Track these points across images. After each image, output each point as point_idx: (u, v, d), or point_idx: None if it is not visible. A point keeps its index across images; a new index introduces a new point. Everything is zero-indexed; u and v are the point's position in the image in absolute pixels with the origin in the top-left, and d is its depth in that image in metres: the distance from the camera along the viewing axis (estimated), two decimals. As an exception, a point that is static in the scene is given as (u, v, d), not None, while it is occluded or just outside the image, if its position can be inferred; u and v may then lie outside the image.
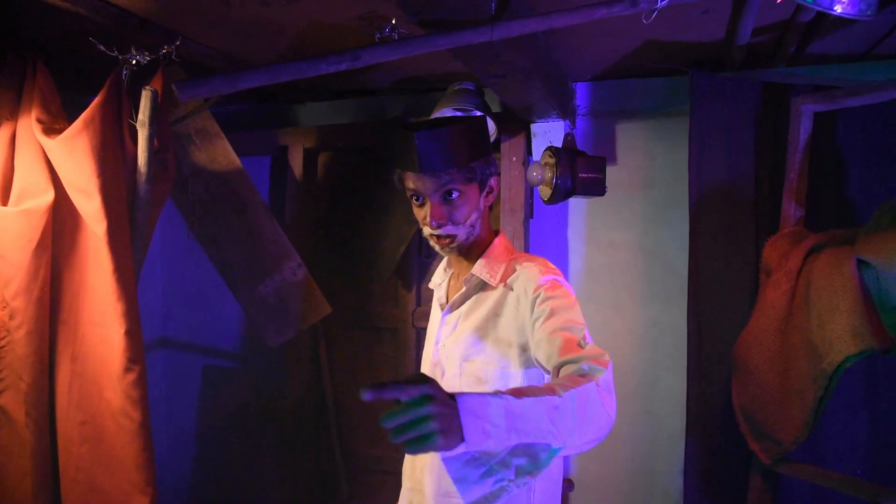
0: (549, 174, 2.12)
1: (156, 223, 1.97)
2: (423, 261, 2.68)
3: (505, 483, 1.01)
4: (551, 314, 1.31)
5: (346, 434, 2.76)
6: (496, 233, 1.56)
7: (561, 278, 1.41)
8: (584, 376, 1.13)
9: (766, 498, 1.89)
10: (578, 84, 2.49)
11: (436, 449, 0.90)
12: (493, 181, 1.52)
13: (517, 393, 1.01)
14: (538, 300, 1.35)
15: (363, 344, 2.77)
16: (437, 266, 1.72)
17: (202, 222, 2.33)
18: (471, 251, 1.52)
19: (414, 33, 1.53)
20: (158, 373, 3.09)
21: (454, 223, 1.45)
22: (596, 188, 2.14)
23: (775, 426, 1.75)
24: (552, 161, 2.11)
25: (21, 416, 1.83)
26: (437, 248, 1.50)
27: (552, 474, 1.48)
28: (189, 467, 3.07)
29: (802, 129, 1.86)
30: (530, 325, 1.36)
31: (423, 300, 2.68)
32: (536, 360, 1.35)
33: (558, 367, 1.22)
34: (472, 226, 1.47)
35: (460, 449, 0.96)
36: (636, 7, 1.42)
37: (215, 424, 3.01)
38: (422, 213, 1.47)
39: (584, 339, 1.25)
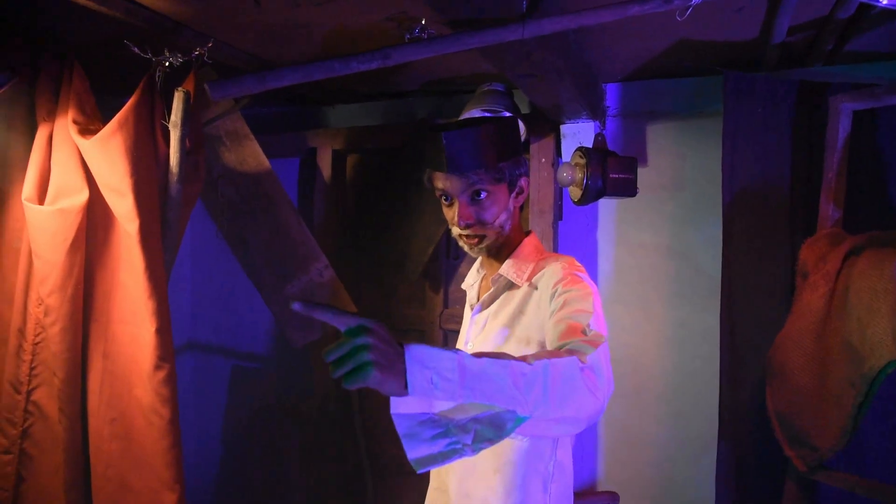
0: (579, 175, 2.09)
1: (186, 223, 1.98)
2: (451, 263, 2.67)
3: (459, 446, 0.96)
4: (563, 305, 1.30)
5: (371, 436, 2.76)
6: (527, 234, 1.56)
7: (582, 273, 1.40)
8: (569, 352, 1.10)
9: (801, 506, 1.84)
10: (608, 85, 2.47)
11: (371, 382, 0.86)
12: (522, 182, 1.51)
13: (478, 355, 0.98)
14: (555, 295, 1.35)
15: (390, 346, 2.76)
16: (469, 268, 1.72)
17: (231, 223, 2.35)
18: (501, 252, 1.52)
19: (443, 34, 1.53)
20: (187, 374, 3.12)
21: (482, 224, 1.44)
22: (627, 189, 2.11)
23: (812, 432, 1.70)
24: (583, 161, 2.09)
25: (55, 411, 1.86)
26: (465, 248, 1.51)
27: (565, 476, 1.47)
28: (214, 468, 3.09)
29: (841, 127, 1.81)
30: (547, 321, 1.35)
31: (451, 302, 2.67)
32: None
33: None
34: (501, 226, 1.47)
35: (410, 404, 0.93)
36: (670, 4, 1.40)
37: (241, 425, 3.03)
38: (450, 214, 1.47)
39: (588, 326, 1.22)
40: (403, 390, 0.90)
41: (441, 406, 0.96)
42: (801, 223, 1.99)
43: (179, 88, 1.82)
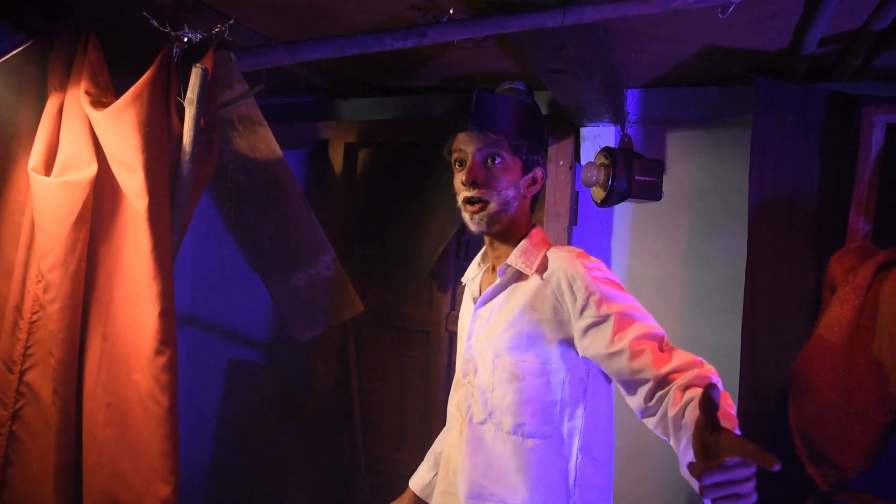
0: (603, 176, 2.05)
1: (196, 205, 1.92)
2: (461, 264, 2.61)
3: None
4: (618, 323, 1.29)
5: (370, 436, 2.69)
6: (534, 226, 1.52)
7: (602, 267, 1.40)
8: (703, 377, 1.18)
9: (819, 527, 1.79)
10: (629, 90, 2.43)
11: None
12: (538, 171, 1.49)
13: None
14: (590, 302, 1.31)
15: (393, 345, 2.70)
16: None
17: (239, 210, 2.28)
18: (507, 240, 1.48)
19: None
20: (182, 364, 3.03)
21: (489, 188, 1.41)
22: (652, 192, 2.06)
23: (835, 450, 1.65)
24: (607, 162, 2.04)
25: (48, 393, 1.78)
26: (467, 217, 1.46)
27: (598, 471, 1.43)
28: (208, 460, 3.01)
29: (874, 139, 1.78)
30: (579, 324, 1.33)
31: (459, 304, 2.60)
32: (615, 374, 1.32)
33: (660, 379, 1.23)
34: (507, 202, 1.43)
35: None
36: (714, -1, 1.36)
37: (238, 418, 2.95)
38: (460, 177, 1.44)
39: (663, 342, 1.27)
40: None
41: None
42: (828, 235, 1.95)
43: (197, 64, 1.77)
